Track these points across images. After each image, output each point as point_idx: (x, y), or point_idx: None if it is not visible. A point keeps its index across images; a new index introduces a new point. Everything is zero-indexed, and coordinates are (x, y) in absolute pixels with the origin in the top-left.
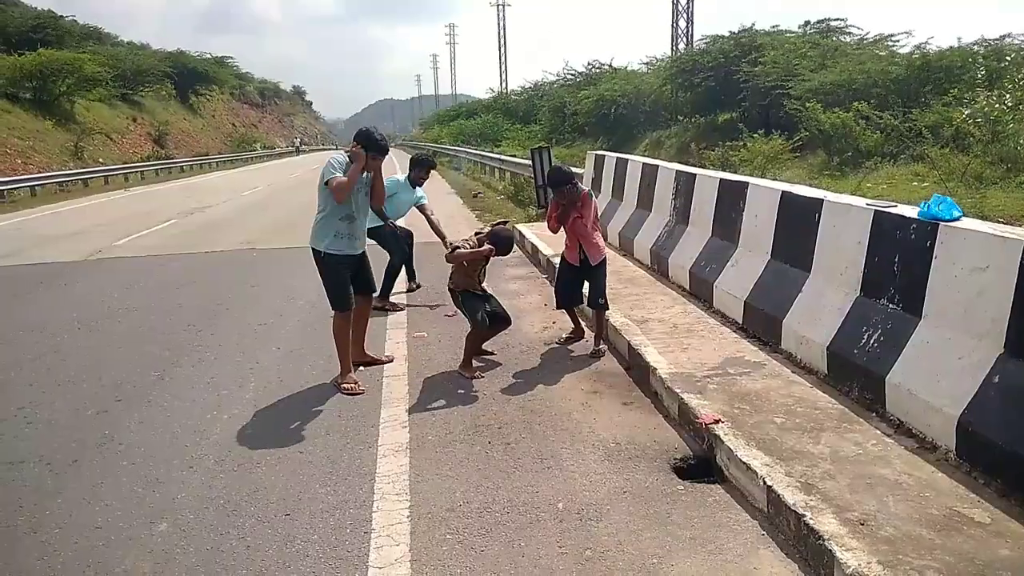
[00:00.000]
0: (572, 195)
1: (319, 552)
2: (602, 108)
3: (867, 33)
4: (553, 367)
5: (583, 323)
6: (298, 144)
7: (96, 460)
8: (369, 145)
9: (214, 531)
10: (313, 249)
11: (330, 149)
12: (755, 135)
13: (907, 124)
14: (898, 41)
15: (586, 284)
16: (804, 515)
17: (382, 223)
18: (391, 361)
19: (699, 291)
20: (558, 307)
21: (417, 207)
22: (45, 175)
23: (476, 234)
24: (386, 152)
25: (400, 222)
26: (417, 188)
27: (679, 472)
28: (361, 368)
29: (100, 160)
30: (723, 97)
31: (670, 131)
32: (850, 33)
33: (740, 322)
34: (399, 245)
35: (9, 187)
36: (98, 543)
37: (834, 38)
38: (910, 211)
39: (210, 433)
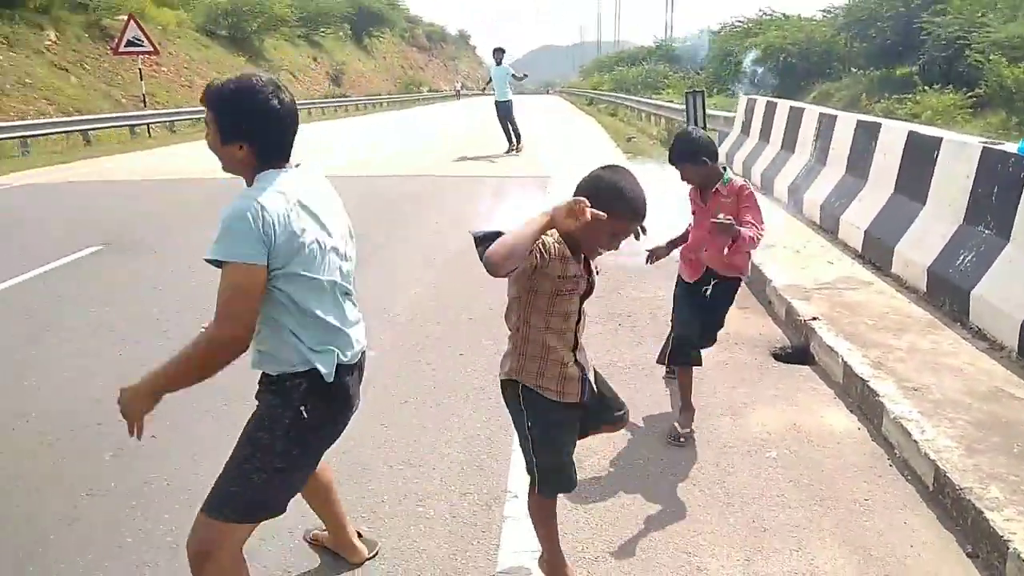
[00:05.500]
0: (707, 176)
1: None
2: (769, 57)
3: None
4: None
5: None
6: (459, 88)
7: None
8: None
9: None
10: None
11: (491, 95)
12: (928, 89)
13: None
14: None
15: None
16: (868, 381)
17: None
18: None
19: (827, 224)
20: (673, 362)
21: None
22: None
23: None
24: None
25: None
26: (502, 65)
27: (776, 357)
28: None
29: None
30: (901, 49)
31: (841, 83)
32: None
33: (859, 250)
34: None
35: None
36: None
37: None
38: (1014, 148)
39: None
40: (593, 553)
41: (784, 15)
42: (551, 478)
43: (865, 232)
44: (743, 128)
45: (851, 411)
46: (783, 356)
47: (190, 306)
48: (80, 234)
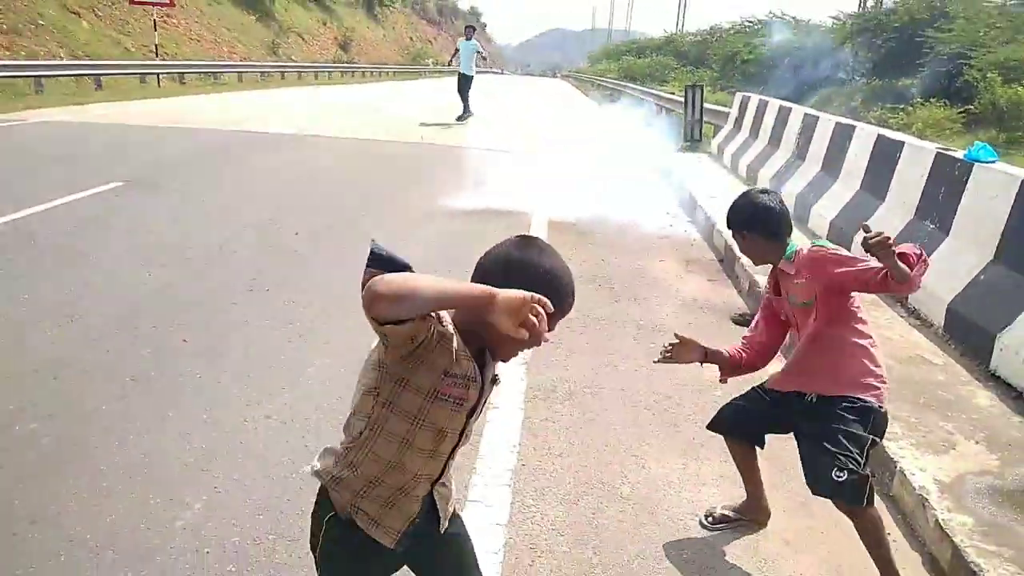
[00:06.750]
0: (757, 253)
1: None
2: (775, 59)
3: None
4: (657, 251)
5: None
6: None
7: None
8: None
9: None
10: None
11: (496, 73)
12: (924, 102)
13: None
14: None
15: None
16: None
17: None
18: None
19: (800, 214)
20: (716, 429)
21: (477, 53)
22: (252, 64)
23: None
24: None
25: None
26: (471, 41)
27: (735, 321)
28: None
29: (293, 57)
30: (903, 61)
31: (843, 90)
32: None
33: (824, 238)
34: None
35: (223, 71)
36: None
37: None
38: (961, 154)
39: None
40: (558, 450)
41: (795, 18)
42: None
43: (830, 222)
44: (735, 123)
45: None
46: (741, 321)
47: (214, 237)
48: (101, 170)
